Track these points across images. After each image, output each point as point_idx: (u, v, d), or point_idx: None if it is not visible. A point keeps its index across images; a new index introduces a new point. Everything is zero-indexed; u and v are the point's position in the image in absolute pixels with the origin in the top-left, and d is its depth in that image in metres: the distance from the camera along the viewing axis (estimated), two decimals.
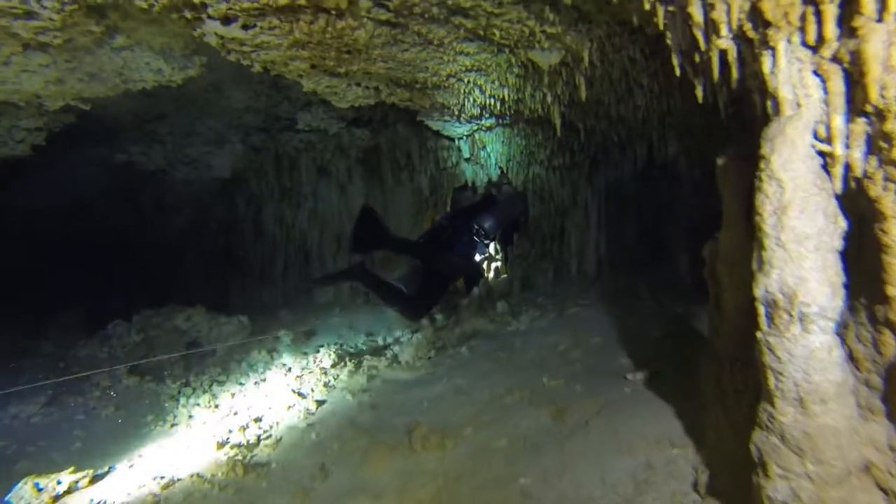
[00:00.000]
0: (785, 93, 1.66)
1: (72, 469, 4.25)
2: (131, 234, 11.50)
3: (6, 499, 3.87)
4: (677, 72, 2.44)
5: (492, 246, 8.41)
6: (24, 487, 3.93)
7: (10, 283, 11.31)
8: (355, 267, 6.19)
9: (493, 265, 9.20)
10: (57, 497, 3.99)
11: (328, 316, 9.43)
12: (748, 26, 1.76)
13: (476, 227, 7.85)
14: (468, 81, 4.72)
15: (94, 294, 11.21)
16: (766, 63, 1.71)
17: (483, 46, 3.98)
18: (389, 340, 7.36)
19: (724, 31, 1.89)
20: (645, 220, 7.69)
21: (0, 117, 6.03)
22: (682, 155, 5.27)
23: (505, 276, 8.91)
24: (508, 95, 4.78)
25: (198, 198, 10.49)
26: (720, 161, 2.37)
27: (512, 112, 5.53)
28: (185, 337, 8.37)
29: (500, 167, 7.91)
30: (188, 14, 3.61)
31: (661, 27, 2.30)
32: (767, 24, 1.67)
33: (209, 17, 3.62)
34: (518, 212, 8.71)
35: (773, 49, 1.67)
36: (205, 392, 6.27)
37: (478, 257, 8.52)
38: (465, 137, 7.37)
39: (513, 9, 3.19)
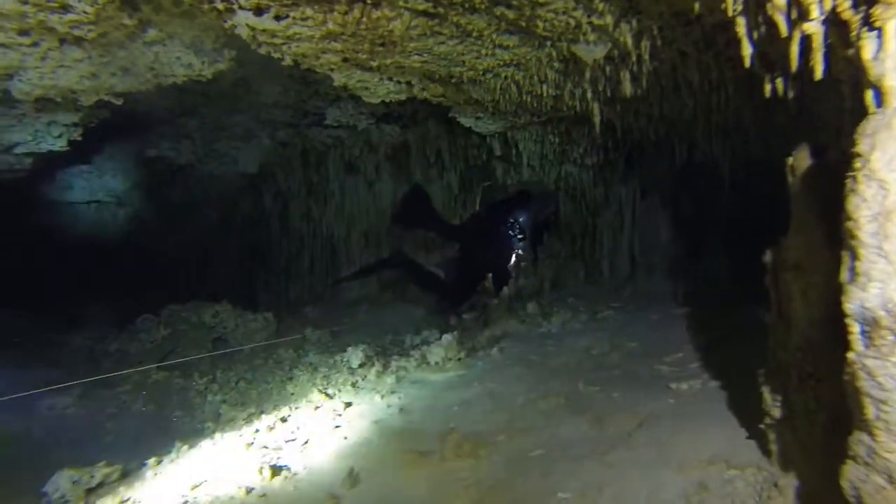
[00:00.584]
0: (892, 81, 1.45)
1: (104, 463, 4.20)
2: (160, 229, 11.53)
3: (43, 489, 3.86)
4: (746, 63, 2.23)
5: (523, 243, 8.32)
6: (60, 478, 3.90)
7: (42, 277, 11.45)
8: (395, 254, 6.16)
9: (523, 265, 9.01)
10: (90, 490, 3.95)
11: (355, 313, 9.33)
12: (845, 6, 1.56)
13: (511, 220, 7.76)
14: (505, 77, 4.54)
15: (124, 288, 11.28)
16: (868, 48, 1.51)
17: (524, 39, 3.80)
18: (417, 340, 7.22)
19: (814, 12, 1.68)
20: (681, 221, 7.43)
21: (39, 113, 6.05)
22: (726, 154, 5.02)
23: (534, 276, 8.71)
24: (546, 91, 4.60)
25: (225, 193, 10.47)
26: (791, 159, 2.16)
27: (548, 109, 5.34)
28: (212, 333, 8.33)
29: (532, 165, 7.71)
30: (220, 4, 3.50)
31: (731, 13, 2.11)
32: (873, 2, 1.47)
33: (241, 7, 3.50)
34: (550, 210, 8.55)
35: (878, 31, 1.47)
36: (232, 389, 6.20)
37: (511, 251, 8.43)
38: (496, 135, 7.19)
39: None
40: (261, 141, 9.40)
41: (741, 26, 2.12)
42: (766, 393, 2.29)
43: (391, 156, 9.04)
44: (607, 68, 3.93)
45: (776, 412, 2.26)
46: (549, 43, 3.75)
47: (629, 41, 3.34)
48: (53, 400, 5.89)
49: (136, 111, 7.83)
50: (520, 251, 9.09)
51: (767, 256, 2.41)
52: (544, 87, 4.51)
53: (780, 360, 2.31)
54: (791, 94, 2.36)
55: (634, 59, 3.52)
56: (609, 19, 3.15)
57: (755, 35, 2.09)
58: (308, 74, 7.28)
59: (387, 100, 5.75)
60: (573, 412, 3.94)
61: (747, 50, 2.17)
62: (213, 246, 11.35)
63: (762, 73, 2.28)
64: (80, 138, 7.07)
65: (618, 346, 5.22)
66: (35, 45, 4.15)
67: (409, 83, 5.20)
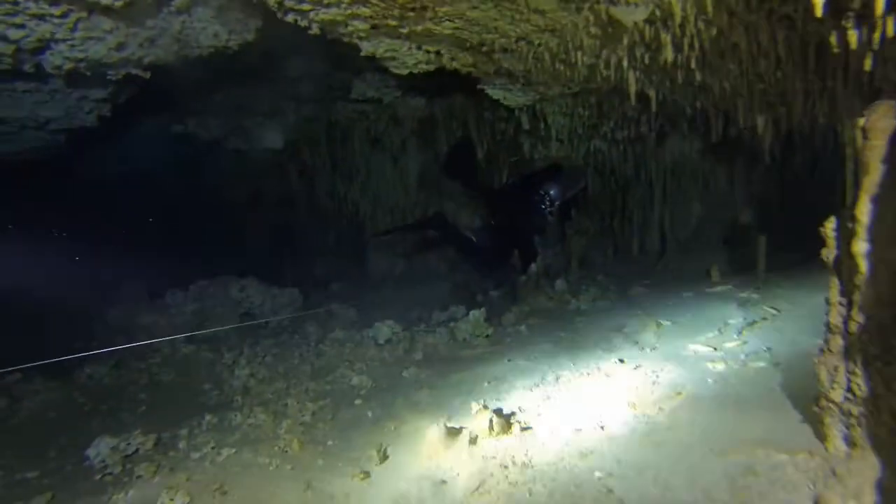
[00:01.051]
0: None
1: (139, 432, 4.23)
2: (188, 205, 11.57)
3: (86, 452, 4.00)
4: (818, 11, 2.02)
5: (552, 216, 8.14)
6: (101, 444, 4.02)
7: (78, 253, 11.60)
8: (434, 216, 6.17)
9: (551, 240, 8.83)
10: (127, 456, 4.02)
11: (381, 289, 9.28)
12: None
13: (542, 192, 7.61)
14: (538, 44, 4.34)
15: (156, 264, 11.39)
16: None
17: (560, 3, 3.60)
18: (444, 316, 7.12)
19: None
20: (715, 198, 7.18)
21: (71, 88, 6.02)
22: (768, 128, 4.77)
23: (562, 252, 8.54)
24: (581, 60, 4.38)
25: (251, 169, 10.43)
26: (861, 121, 1.97)
27: (581, 79, 5.12)
28: (239, 308, 8.36)
29: (561, 140, 7.49)
30: None
31: None
32: None
33: None
34: (580, 186, 8.33)
35: None
36: (259, 364, 6.18)
37: (541, 224, 8.28)
38: (525, 108, 6.97)
39: None
40: (286, 116, 9.30)
41: None
42: (823, 374, 2.14)
43: (417, 130, 8.87)
44: (647, 33, 3.71)
45: (835, 395, 2.10)
46: (587, 6, 3.54)
47: (673, 0, 3.13)
48: (92, 369, 6.00)
49: (163, 87, 7.77)
50: (548, 226, 8.91)
51: (829, 229, 2.23)
52: (579, 54, 4.30)
53: (841, 340, 2.14)
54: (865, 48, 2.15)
55: (678, 21, 3.30)
56: None
57: None
58: (333, 47, 7.15)
59: (415, 71, 5.60)
60: (609, 391, 3.80)
61: None
62: (240, 222, 11.36)
63: (832, 25, 2.07)
64: (109, 114, 7.06)
65: (651, 325, 5.05)
66: (64, 15, 4.07)
67: (438, 52, 5.03)
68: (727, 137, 6.41)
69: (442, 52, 4.98)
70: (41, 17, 4.08)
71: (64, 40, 4.30)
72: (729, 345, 3.98)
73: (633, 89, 4.66)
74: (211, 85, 8.38)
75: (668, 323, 4.96)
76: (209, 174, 10.80)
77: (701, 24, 3.41)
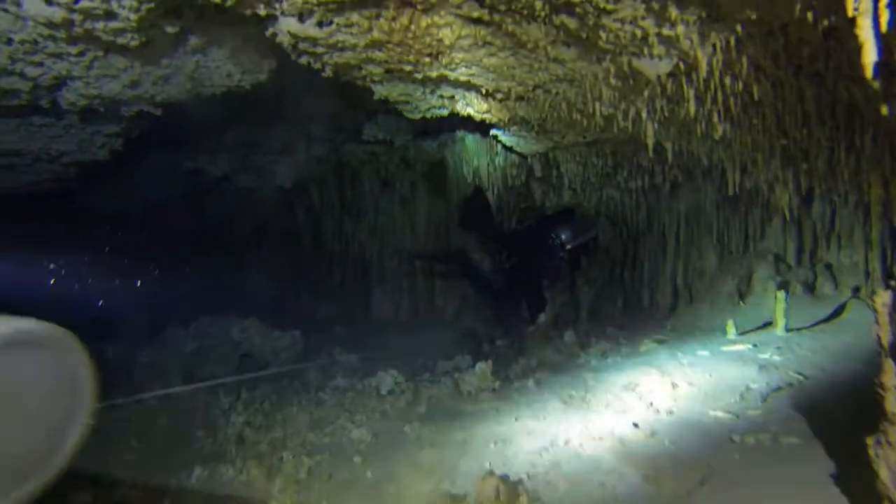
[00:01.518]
0: None
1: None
2: (193, 239, 11.45)
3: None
4: (868, 72, 1.86)
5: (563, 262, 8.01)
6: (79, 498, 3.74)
7: (79, 287, 11.45)
8: (456, 251, 6.13)
9: (560, 290, 8.62)
10: None
11: (385, 334, 9.04)
12: None
13: (553, 236, 7.51)
14: (556, 93, 4.23)
15: (158, 299, 11.21)
16: None
17: (581, 53, 3.49)
18: (449, 366, 6.87)
19: None
20: (729, 250, 6.98)
21: (85, 123, 5.97)
22: (786, 182, 4.60)
23: (571, 302, 8.31)
24: (599, 110, 4.26)
25: (259, 207, 10.33)
26: None
27: (597, 129, 5.00)
28: (239, 349, 8.12)
29: (574, 188, 7.36)
30: (262, 10, 3.26)
31: (851, 13, 1.76)
32: None
33: (283, 13, 3.25)
34: (591, 234, 8.18)
35: None
36: (256, 411, 5.91)
37: (552, 269, 8.14)
38: (538, 155, 6.86)
39: (628, 5, 2.69)
40: (296, 155, 9.24)
41: (864, 28, 1.77)
42: (884, 472, 1.89)
43: (427, 173, 8.77)
44: (669, 86, 3.59)
45: (888, 477, 1.85)
46: (608, 57, 3.43)
47: (699, 54, 3.00)
48: None
49: (175, 123, 7.74)
50: (559, 272, 8.72)
51: (878, 302, 2.01)
52: (597, 105, 4.18)
53: None
54: None
55: (703, 74, 3.17)
56: (680, 30, 2.82)
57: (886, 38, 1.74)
58: (346, 89, 7.11)
59: (428, 116, 5.50)
60: (624, 461, 3.53)
61: (870, 57, 1.82)
62: (245, 258, 11.21)
63: (883, 86, 1.92)
64: (120, 148, 7.00)
65: (664, 384, 4.79)
66: (82, 54, 4.00)
67: (452, 98, 4.93)
68: (742, 189, 6.26)
69: (456, 97, 4.88)
70: (59, 56, 4.02)
71: (79, 78, 4.24)
72: (753, 413, 3.72)
73: (650, 141, 4.52)
74: (223, 122, 8.36)
75: (685, 384, 4.69)
76: (216, 210, 10.70)
77: (726, 79, 3.27)
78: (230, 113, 7.89)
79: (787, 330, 5.40)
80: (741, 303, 6.52)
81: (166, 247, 11.76)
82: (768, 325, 5.86)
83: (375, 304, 9.53)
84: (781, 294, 5.44)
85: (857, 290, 5.94)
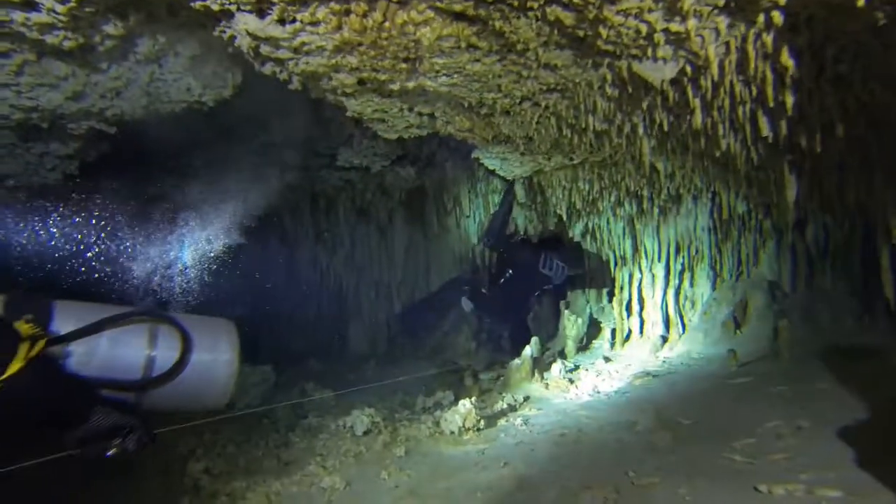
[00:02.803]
0: None
1: None
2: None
3: None
4: None
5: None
6: None
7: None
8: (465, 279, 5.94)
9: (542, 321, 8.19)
10: None
11: (362, 369, 8.50)
12: None
13: (540, 269, 7.17)
14: (545, 106, 3.86)
15: None
16: None
17: (575, 58, 3.13)
18: (430, 403, 6.35)
19: None
20: (723, 278, 6.63)
21: (30, 144, 5.46)
22: (790, 202, 4.26)
23: (556, 334, 7.87)
24: (592, 125, 3.91)
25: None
26: None
27: (587, 148, 4.65)
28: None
29: (559, 214, 6.99)
30: (215, 4, 2.84)
31: None
32: None
33: (239, 7, 2.83)
34: (579, 270, 7.82)
35: None
36: (218, 455, 5.32)
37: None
38: (522, 179, 6.50)
39: None
40: (268, 183, 8.78)
41: None
42: None
43: (405, 201, 8.36)
44: (671, 94, 3.23)
45: None
46: (606, 61, 3.07)
47: (711, 54, 2.66)
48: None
49: (138, 146, 7.26)
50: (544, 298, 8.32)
51: None
52: (590, 119, 3.82)
53: None
54: None
55: (714, 78, 2.82)
56: (692, 24, 2.47)
57: None
58: (319, 110, 6.72)
59: (405, 136, 5.11)
60: None
61: None
62: (214, 291, 10.60)
63: None
64: (76, 172, 6.48)
65: (667, 422, 4.36)
66: (6, 55, 3.51)
67: (431, 115, 4.54)
68: (731, 214, 5.96)
69: (436, 114, 4.49)
70: None
71: (8, 85, 3.74)
72: (776, 457, 3.28)
73: (646, 159, 4.17)
74: (189, 147, 7.89)
75: (689, 422, 4.26)
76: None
77: (737, 86, 2.93)
78: (197, 137, 7.45)
79: (794, 360, 5.03)
80: (738, 332, 6.15)
81: (126, 278, 11.09)
82: (770, 355, 5.49)
83: (352, 337, 8.98)
84: (785, 323, 5.08)
85: (859, 318, 5.61)
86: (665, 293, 6.95)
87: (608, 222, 7.18)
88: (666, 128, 3.70)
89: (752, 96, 2.99)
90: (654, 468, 3.63)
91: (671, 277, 6.88)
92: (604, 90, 3.42)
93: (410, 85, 3.67)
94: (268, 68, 3.71)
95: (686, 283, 6.81)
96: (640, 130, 3.85)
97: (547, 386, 6.25)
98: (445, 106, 4.33)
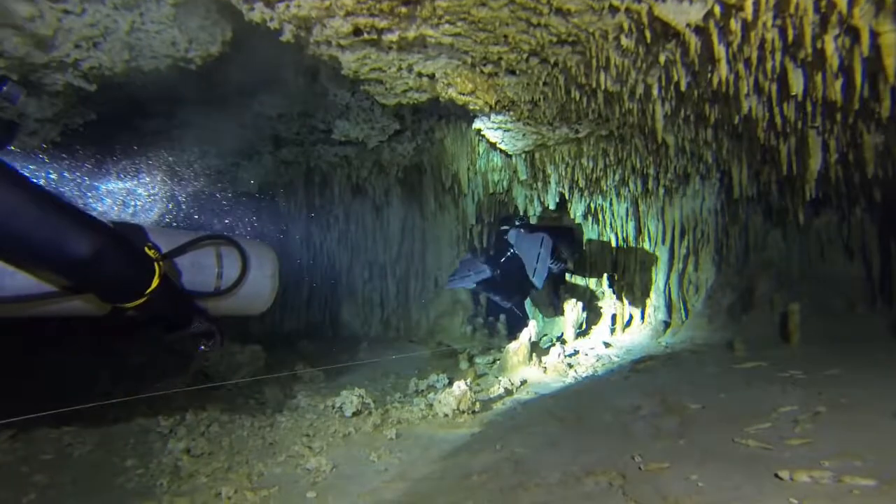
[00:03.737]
0: None
1: None
2: None
3: None
4: None
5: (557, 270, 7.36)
6: None
7: None
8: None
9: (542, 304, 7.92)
10: None
11: (354, 350, 8.21)
12: None
13: (542, 241, 6.95)
14: (553, 62, 3.55)
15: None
16: None
17: (588, 2, 2.81)
18: (423, 385, 6.08)
19: None
20: (728, 262, 6.36)
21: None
22: (812, 177, 3.97)
23: (555, 317, 7.61)
24: (604, 84, 3.59)
25: (219, 212, 9.46)
26: None
27: (596, 115, 4.34)
28: (193, 364, 7.22)
29: (562, 192, 6.69)
30: None
31: None
32: None
33: None
34: (579, 252, 7.56)
35: None
36: (201, 434, 5.03)
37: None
38: (523, 154, 6.20)
39: None
40: (262, 157, 8.46)
41: None
42: None
43: (402, 179, 8.05)
44: (694, 43, 2.93)
45: None
46: (624, 4, 2.76)
47: None
48: None
49: (124, 114, 6.93)
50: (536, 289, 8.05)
51: None
52: (602, 78, 3.51)
53: None
54: None
55: (746, 21, 2.52)
56: None
57: None
58: (315, 84, 6.41)
59: (404, 101, 4.80)
60: (638, 501, 2.78)
61: None
62: None
63: None
64: (58, 139, 6.14)
65: (674, 406, 4.09)
66: None
67: (431, 76, 4.23)
68: (742, 194, 5.67)
69: (436, 75, 4.18)
70: None
71: None
72: (794, 443, 3.01)
73: (659, 125, 3.86)
74: (181, 120, 7.56)
75: (697, 406, 3.99)
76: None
77: (770, 32, 2.63)
78: (188, 106, 7.12)
79: (805, 344, 4.77)
80: (744, 317, 5.88)
81: None
82: (778, 340, 5.24)
83: (345, 318, 8.69)
84: (796, 306, 4.81)
85: (872, 303, 5.35)
86: (668, 277, 6.68)
87: (611, 203, 6.90)
88: (683, 88, 3.40)
89: (785, 44, 2.68)
90: (662, 453, 3.36)
91: (675, 261, 6.60)
92: (619, 42, 3.11)
93: (410, 35, 3.36)
94: (257, 13, 3.39)
95: (690, 268, 6.54)
96: (655, 92, 3.55)
97: (545, 370, 5.99)
98: (446, 66, 4.02)
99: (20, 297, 1.59)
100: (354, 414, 5.15)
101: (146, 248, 1.76)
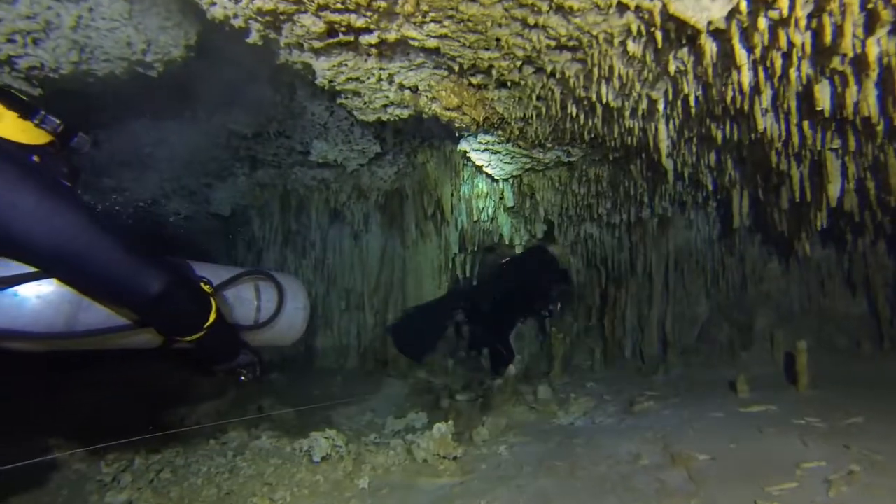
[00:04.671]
0: None
1: None
2: None
3: None
4: None
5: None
6: None
7: None
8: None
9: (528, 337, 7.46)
10: None
11: (327, 384, 7.64)
12: None
13: (538, 273, 6.65)
14: (550, 72, 3.17)
15: None
16: None
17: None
18: (400, 426, 5.56)
19: None
20: (724, 296, 5.99)
21: None
22: (826, 203, 3.61)
23: (541, 353, 7.15)
24: (605, 98, 3.22)
25: (193, 236, 8.93)
26: None
27: (591, 135, 3.97)
28: (151, 397, 6.60)
29: (550, 221, 6.30)
30: None
31: None
32: None
33: None
34: (568, 286, 7.22)
35: None
36: (149, 483, 4.44)
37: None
38: (511, 180, 5.82)
39: None
40: (237, 179, 7.98)
41: None
42: None
43: (383, 204, 7.62)
44: (709, 49, 2.57)
45: None
46: (634, 3, 2.39)
47: None
48: None
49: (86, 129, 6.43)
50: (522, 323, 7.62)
51: None
52: (603, 90, 3.14)
53: None
54: None
55: (781, 16, 2.15)
56: None
57: None
58: (292, 104, 6.02)
59: (384, 118, 4.39)
60: None
61: None
62: None
63: None
64: None
65: (679, 456, 3.62)
66: None
67: (414, 89, 3.83)
68: (742, 223, 5.32)
69: (419, 87, 3.78)
70: None
71: None
72: None
73: (663, 146, 3.49)
74: (152, 138, 7.08)
75: (706, 457, 3.53)
76: (142, 238, 9.23)
77: (806, 32, 2.26)
78: (162, 128, 6.67)
79: (813, 387, 4.37)
80: (742, 353, 5.49)
81: None
82: (782, 381, 4.83)
83: (319, 349, 8.14)
84: (803, 345, 4.41)
85: (880, 343, 4.99)
86: (661, 310, 6.27)
87: (601, 232, 6.52)
88: (692, 103, 3.04)
89: (816, 48, 2.32)
90: None
91: (669, 294, 6.21)
92: (625, 47, 2.74)
93: (391, 36, 2.96)
94: (218, 8, 2.96)
95: (685, 301, 6.15)
96: (661, 107, 3.18)
97: (533, 410, 5.50)
98: (431, 76, 3.63)
99: (92, 330, 1.72)
100: (324, 459, 4.59)
101: (202, 284, 1.89)
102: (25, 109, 1.81)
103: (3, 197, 1.50)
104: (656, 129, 3.49)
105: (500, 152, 4.87)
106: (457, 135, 4.79)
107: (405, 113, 4.27)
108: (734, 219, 4.88)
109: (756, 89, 2.69)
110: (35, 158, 1.77)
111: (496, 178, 5.59)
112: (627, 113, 3.39)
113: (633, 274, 6.49)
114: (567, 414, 5.25)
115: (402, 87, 3.83)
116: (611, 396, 5.49)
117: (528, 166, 5.23)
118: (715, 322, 5.90)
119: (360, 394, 6.81)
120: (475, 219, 7.20)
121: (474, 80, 3.45)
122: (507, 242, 7.18)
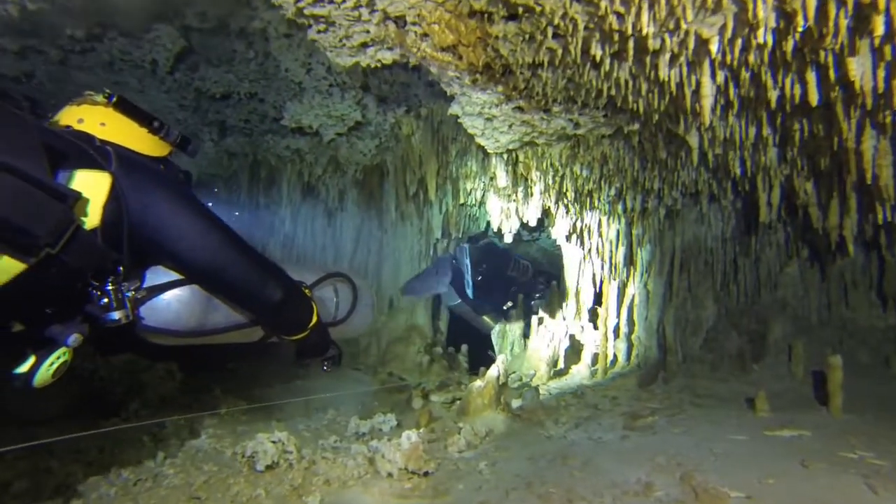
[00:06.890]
0: None
1: None
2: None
3: None
4: None
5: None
6: None
7: None
8: None
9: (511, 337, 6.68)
10: None
11: (289, 377, 6.78)
12: None
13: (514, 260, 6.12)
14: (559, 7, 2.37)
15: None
16: None
17: None
18: (365, 428, 4.73)
19: None
20: (735, 300, 5.27)
21: None
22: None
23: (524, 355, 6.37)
24: (645, 28, 2.42)
25: None
26: None
27: (613, 94, 3.18)
28: (86, 385, 5.69)
29: (546, 206, 5.52)
30: None
31: None
32: None
33: None
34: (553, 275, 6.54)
35: None
36: (55, 491, 3.56)
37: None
38: (505, 155, 5.02)
39: None
40: (203, 145, 7.08)
41: None
42: None
43: (361, 181, 6.77)
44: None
45: None
46: None
47: None
48: None
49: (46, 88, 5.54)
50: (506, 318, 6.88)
51: None
52: (644, 18, 2.35)
53: None
54: None
55: None
56: None
57: None
58: (266, 61, 5.18)
59: (364, 62, 3.56)
60: None
61: None
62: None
63: None
64: None
65: (702, 490, 2.85)
66: None
67: (401, 20, 3.00)
68: (767, 219, 4.57)
69: (407, 19, 2.96)
70: None
71: None
72: None
73: (706, 103, 2.71)
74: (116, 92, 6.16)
75: (740, 495, 2.76)
76: None
77: None
78: (126, 81, 5.77)
79: (848, 411, 3.65)
80: (754, 366, 4.77)
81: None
82: (808, 399, 4.12)
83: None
84: (837, 360, 3.69)
85: None
86: (662, 313, 5.53)
87: (600, 224, 5.76)
88: (759, 38, 2.26)
89: None
90: None
91: (672, 295, 5.47)
92: None
93: None
94: None
95: (689, 303, 5.41)
96: (714, 47, 2.41)
97: (516, 418, 4.72)
98: (421, 3, 2.80)
99: (218, 328, 1.96)
100: (268, 468, 3.75)
101: (304, 289, 2.14)
102: (152, 123, 1.85)
103: (171, 221, 1.68)
104: (699, 82, 2.72)
105: (497, 117, 4.06)
106: (448, 93, 3.97)
107: (389, 57, 3.46)
108: (761, 211, 4.14)
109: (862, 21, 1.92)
110: (161, 168, 1.86)
111: (489, 150, 4.78)
112: (666, 57, 2.61)
113: (633, 270, 5.74)
114: (556, 424, 4.47)
115: (385, 17, 3.01)
116: (606, 406, 4.73)
117: (526, 139, 4.43)
118: (722, 329, 5.18)
119: (325, 389, 5.98)
120: (461, 201, 6.41)
121: (476, 6, 2.63)
122: (494, 230, 6.39)
